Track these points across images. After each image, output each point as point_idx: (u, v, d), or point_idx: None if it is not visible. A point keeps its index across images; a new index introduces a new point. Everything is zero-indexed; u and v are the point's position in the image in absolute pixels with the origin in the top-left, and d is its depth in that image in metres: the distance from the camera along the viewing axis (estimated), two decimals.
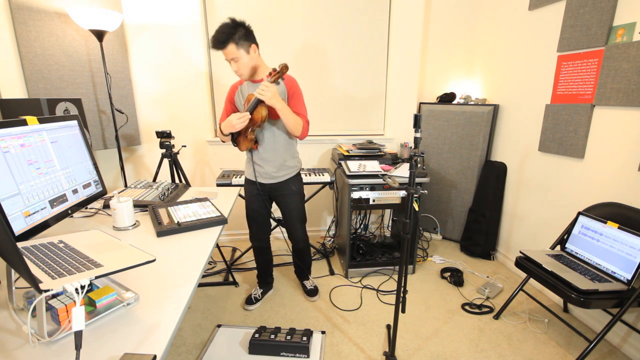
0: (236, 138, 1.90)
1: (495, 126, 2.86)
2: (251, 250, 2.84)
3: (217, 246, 2.67)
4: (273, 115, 1.79)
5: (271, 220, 2.20)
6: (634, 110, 1.75)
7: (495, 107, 2.80)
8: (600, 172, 1.94)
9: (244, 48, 1.70)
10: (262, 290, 2.26)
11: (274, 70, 1.71)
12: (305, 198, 2.19)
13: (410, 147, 2.75)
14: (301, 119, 1.83)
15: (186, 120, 2.85)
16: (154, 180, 2.36)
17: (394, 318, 1.62)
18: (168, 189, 1.75)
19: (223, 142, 1.96)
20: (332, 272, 2.60)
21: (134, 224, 1.34)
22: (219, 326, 1.97)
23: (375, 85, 3.10)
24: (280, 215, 2.16)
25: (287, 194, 2.02)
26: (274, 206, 2.16)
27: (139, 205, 1.52)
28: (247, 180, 2.06)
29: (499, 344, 1.88)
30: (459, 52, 3.12)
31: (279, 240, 3.13)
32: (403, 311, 1.65)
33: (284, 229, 2.78)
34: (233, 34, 1.65)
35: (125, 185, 2.57)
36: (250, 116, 1.72)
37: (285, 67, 1.71)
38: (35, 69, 2.22)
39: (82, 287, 0.70)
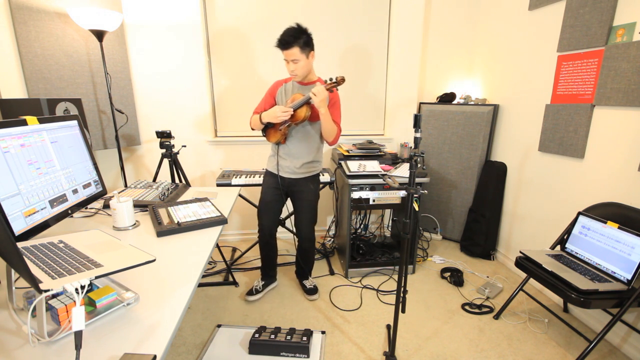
0: (268, 129, 2.02)
1: (495, 126, 2.86)
2: (251, 250, 2.88)
3: (217, 246, 2.67)
4: (313, 118, 1.92)
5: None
6: (633, 110, 1.75)
7: (495, 107, 2.80)
8: (600, 172, 1.94)
9: (305, 53, 1.83)
10: (263, 282, 2.30)
11: (330, 79, 1.83)
12: None
13: (410, 147, 2.74)
14: (336, 127, 1.95)
15: (186, 120, 2.85)
16: (154, 180, 2.36)
17: (394, 318, 1.62)
18: (168, 189, 1.75)
19: (253, 129, 2.07)
20: (332, 272, 2.60)
21: (134, 224, 1.34)
22: (219, 326, 1.97)
23: (375, 85, 3.10)
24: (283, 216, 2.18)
25: (303, 191, 2.09)
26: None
27: (139, 205, 1.52)
28: (267, 172, 2.15)
29: (499, 344, 1.88)
30: (459, 52, 3.12)
31: (280, 240, 3.12)
32: (403, 311, 1.65)
33: (284, 229, 2.78)
34: (299, 38, 1.78)
35: (125, 185, 2.57)
36: (293, 112, 1.85)
37: (342, 80, 1.83)
38: (35, 69, 2.22)
39: (82, 287, 0.70)
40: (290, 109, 1.84)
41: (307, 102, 1.85)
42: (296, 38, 1.77)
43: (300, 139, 2.00)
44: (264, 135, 2.06)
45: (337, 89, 1.90)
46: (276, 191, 2.10)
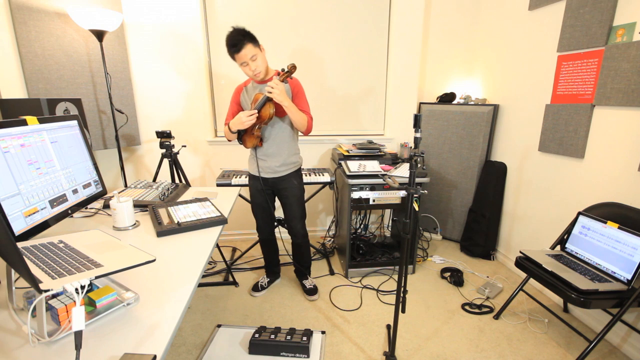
0: (242, 136, 1.98)
1: (495, 126, 2.86)
2: (251, 249, 2.89)
3: (217, 246, 2.67)
4: (279, 113, 1.88)
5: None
6: (634, 110, 1.75)
7: (495, 107, 2.80)
8: (600, 172, 1.94)
9: (258, 47, 1.82)
10: (268, 279, 2.36)
11: (282, 70, 1.79)
12: (305, 198, 2.22)
13: (410, 147, 2.74)
14: (306, 116, 1.93)
15: (186, 120, 2.85)
16: (154, 180, 2.36)
17: (394, 318, 1.62)
18: (168, 189, 1.75)
19: (229, 140, 2.03)
20: (332, 272, 2.60)
21: (134, 224, 1.34)
22: (219, 326, 1.97)
23: (375, 85, 3.10)
24: (282, 215, 2.19)
25: (288, 187, 2.09)
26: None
27: (139, 205, 1.52)
28: (250, 176, 2.14)
29: (499, 344, 1.88)
30: (459, 52, 3.12)
31: (280, 240, 3.12)
32: (403, 311, 1.65)
33: (284, 229, 2.78)
34: (246, 35, 1.77)
35: (125, 185, 2.57)
36: (258, 113, 1.81)
37: (293, 68, 1.80)
38: (35, 69, 2.22)
39: (82, 287, 0.70)
40: (255, 111, 1.80)
41: (269, 99, 1.80)
42: (244, 36, 1.75)
43: (274, 137, 1.98)
44: (241, 143, 2.00)
45: (296, 78, 1.89)
46: (262, 192, 2.10)
